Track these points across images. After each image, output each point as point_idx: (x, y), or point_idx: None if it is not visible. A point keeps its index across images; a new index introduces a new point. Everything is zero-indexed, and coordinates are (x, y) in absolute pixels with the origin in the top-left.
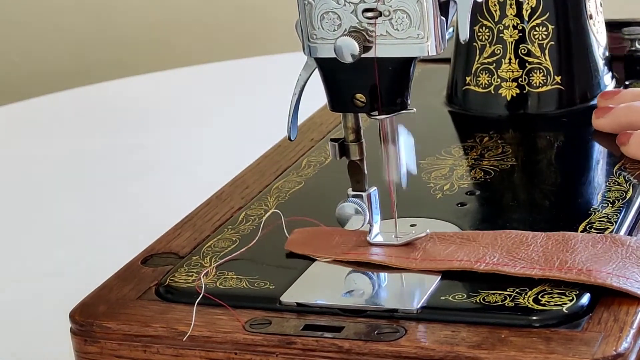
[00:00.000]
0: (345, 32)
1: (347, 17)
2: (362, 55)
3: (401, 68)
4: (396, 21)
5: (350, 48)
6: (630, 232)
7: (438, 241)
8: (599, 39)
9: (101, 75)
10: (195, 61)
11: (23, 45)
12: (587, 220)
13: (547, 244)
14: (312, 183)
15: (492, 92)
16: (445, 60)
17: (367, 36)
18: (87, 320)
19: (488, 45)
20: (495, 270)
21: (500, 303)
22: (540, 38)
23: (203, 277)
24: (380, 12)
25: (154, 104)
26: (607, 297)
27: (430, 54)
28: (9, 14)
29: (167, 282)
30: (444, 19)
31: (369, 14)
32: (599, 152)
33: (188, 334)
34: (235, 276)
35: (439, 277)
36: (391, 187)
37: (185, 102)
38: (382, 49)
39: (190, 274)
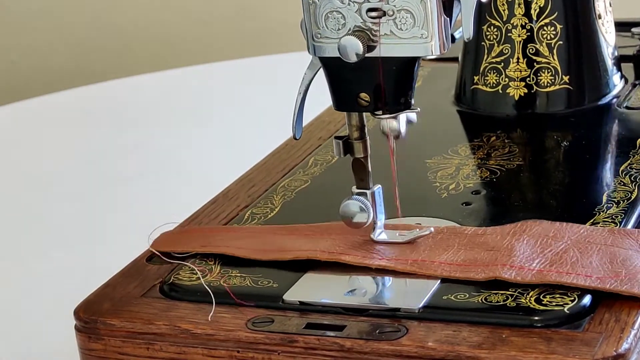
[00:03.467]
0: (350, 32)
1: (351, 17)
2: (366, 55)
3: (405, 68)
4: (400, 21)
5: (354, 47)
6: None
7: (294, 235)
8: (607, 39)
9: (101, 75)
10: (199, 61)
11: (23, 45)
12: (592, 221)
13: None
14: (319, 181)
15: (500, 91)
16: (454, 60)
17: (371, 36)
18: (91, 317)
19: (496, 44)
20: (336, 259)
21: (502, 303)
22: (548, 37)
23: (207, 270)
24: (385, 12)
25: (155, 104)
26: (608, 298)
27: (434, 54)
28: (9, 13)
29: (171, 280)
30: (447, 18)
31: (373, 14)
32: (606, 152)
33: (211, 314)
34: (239, 274)
35: (441, 278)
36: (395, 189)
37: (195, 101)
38: (386, 49)
39: (195, 272)
